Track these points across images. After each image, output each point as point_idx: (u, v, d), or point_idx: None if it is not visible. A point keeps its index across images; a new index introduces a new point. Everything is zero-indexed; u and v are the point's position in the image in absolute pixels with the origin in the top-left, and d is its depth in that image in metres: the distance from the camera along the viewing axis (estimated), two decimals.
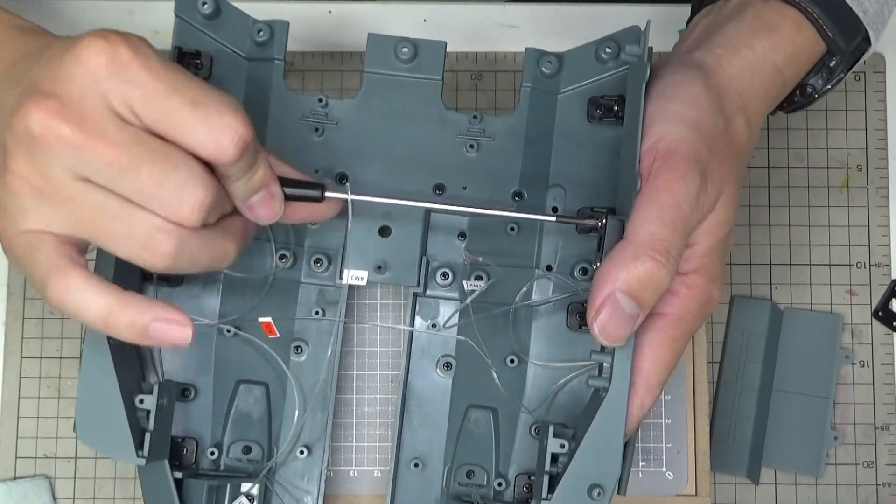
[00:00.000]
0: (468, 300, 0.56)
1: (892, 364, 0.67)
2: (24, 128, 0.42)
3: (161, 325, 0.45)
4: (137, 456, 0.51)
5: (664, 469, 0.63)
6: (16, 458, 0.65)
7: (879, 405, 0.66)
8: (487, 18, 0.69)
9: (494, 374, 0.56)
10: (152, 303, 0.46)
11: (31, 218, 0.44)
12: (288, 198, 0.49)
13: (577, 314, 0.57)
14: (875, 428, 0.66)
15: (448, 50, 0.58)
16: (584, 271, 0.57)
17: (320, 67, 0.67)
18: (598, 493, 0.50)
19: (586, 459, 0.50)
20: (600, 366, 0.51)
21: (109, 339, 0.51)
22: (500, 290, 0.57)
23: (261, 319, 0.57)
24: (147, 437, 0.51)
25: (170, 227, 0.44)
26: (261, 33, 0.57)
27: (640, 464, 0.63)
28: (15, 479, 0.64)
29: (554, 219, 0.53)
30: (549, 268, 0.58)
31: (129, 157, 0.42)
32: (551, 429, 0.52)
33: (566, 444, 0.52)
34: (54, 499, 0.64)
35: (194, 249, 0.46)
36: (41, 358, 0.65)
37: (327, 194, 0.50)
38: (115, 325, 0.45)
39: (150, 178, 0.43)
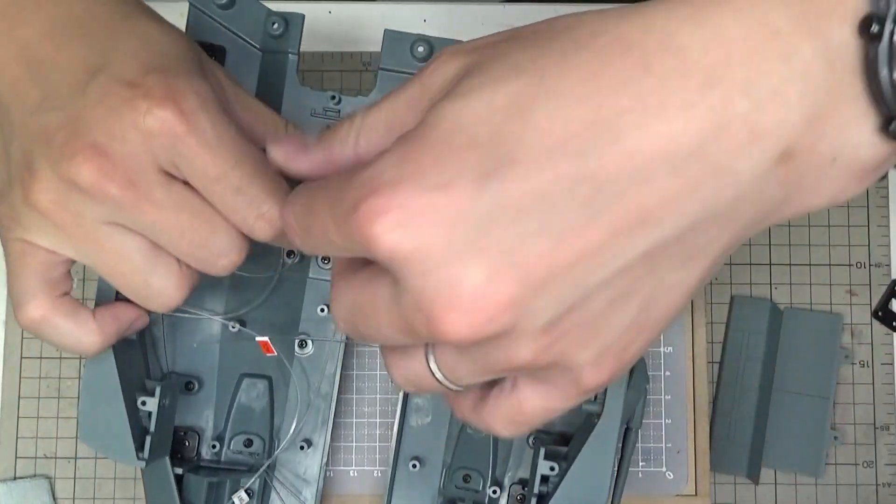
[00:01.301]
0: None
1: (892, 364, 0.66)
2: (72, 177, 0.42)
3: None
4: (138, 458, 0.51)
5: (664, 469, 0.63)
6: (16, 458, 0.64)
7: (879, 405, 0.66)
8: (487, 18, 0.69)
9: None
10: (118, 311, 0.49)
11: (38, 236, 0.45)
12: None
13: None
14: (875, 428, 0.66)
15: None
16: None
17: (320, 67, 0.67)
18: None
19: (575, 484, 0.51)
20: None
21: None
22: None
23: (258, 339, 0.57)
24: (148, 439, 0.51)
25: (185, 283, 0.46)
26: (275, 26, 0.56)
27: (640, 464, 0.63)
28: (15, 479, 0.64)
29: None
30: None
31: (173, 221, 0.43)
32: (542, 451, 0.53)
33: (556, 467, 0.52)
34: (54, 499, 0.64)
35: (191, 291, 0.48)
36: (41, 358, 0.65)
37: None
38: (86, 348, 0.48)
39: (190, 242, 0.44)
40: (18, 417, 0.65)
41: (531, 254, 0.32)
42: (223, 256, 0.45)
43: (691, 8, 0.33)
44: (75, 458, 0.64)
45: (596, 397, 0.51)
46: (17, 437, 0.65)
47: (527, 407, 0.38)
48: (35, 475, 0.64)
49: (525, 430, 0.39)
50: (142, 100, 0.41)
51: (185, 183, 0.43)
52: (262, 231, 0.44)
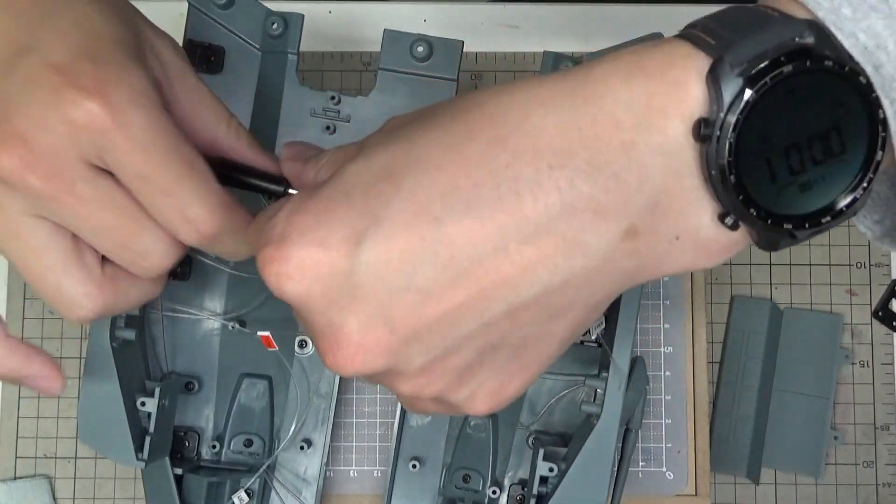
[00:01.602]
0: None
1: (892, 364, 0.66)
2: None
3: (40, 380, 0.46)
4: (137, 459, 0.51)
5: (664, 469, 0.63)
6: (16, 458, 0.65)
7: (879, 405, 0.66)
8: (487, 18, 0.69)
9: None
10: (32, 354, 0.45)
11: None
12: (250, 188, 0.47)
13: None
14: (875, 428, 0.66)
15: None
16: None
17: (319, 67, 0.67)
18: None
19: (574, 485, 0.51)
20: (595, 392, 0.52)
21: (112, 341, 0.51)
22: None
23: (260, 333, 0.57)
24: (147, 439, 0.52)
25: (99, 295, 0.43)
26: (274, 26, 0.56)
27: (640, 464, 0.63)
28: (15, 479, 0.64)
29: None
30: None
31: (97, 218, 0.41)
32: (542, 452, 0.53)
33: (555, 468, 0.53)
34: (54, 499, 0.64)
35: (119, 307, 0.45)
36: None
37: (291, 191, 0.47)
38: None
39: (113, 241, 0.42)
40: (18, 417, 0.65)
41: (400, 308, 0.36)
42: (147, 258, 0.42)
43: (549, 93, 0.36)
44: (75, 458, 0.65)
45: (595, 398, 0.51)
46: (17, 437, 0.65)
47: (423, 403, 0.41)
48: (35, 475, 0.64)
49: (422, 414, 0.44)
50: (69, 89, 0.39)
51: (116, 178, 0.41)
52: (188, 235, 0.42)
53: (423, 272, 0.35)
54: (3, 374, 0.45)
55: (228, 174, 0.47)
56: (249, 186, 0.47)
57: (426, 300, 0.36)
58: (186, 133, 0.45)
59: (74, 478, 0.64)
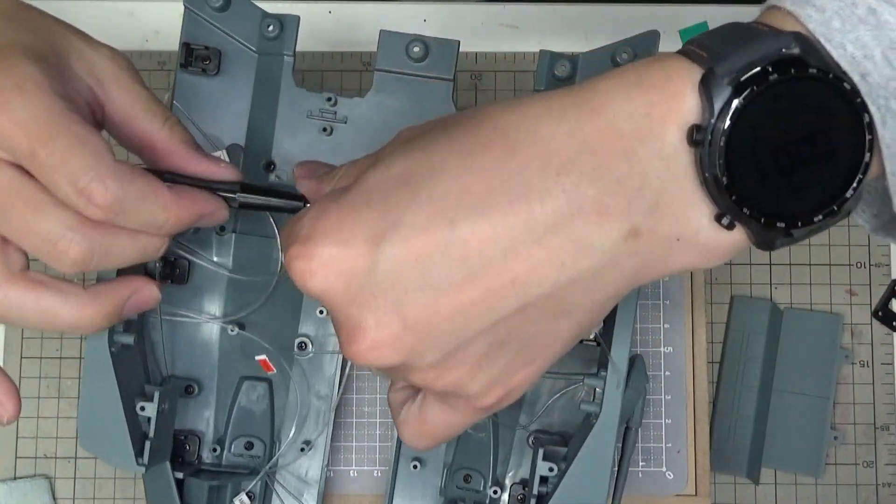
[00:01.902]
0: None
1: (892, 364, 0.67)
2: None
3: None
4: (138, 464, 0.51)
5: (664, 469, 0.63)
6: (16, 458, 0.65)
7: (879, 405, 0.66)
8: (487, 18, 0.69)
9: None
10: None
11: None
12: (270, 208, 0.49)
13: None
14: (875, 428, 0.66)
15: None
16: None
17: (319, 67, 0.67)
18: None
19: (574, 485, 0.51)
20: (594, 390, 0.52)
21: (111, 346, 0.51)
22: None
23: (258, 358, 0.57)
24: (147, 444, 0.52)
25: (16, 282, 0.44)
26: (270, 28, 0.56)
27: (640, 464, 0.63)
28: (15, 479, 0.64)
29: None
30: None
31: None
32: (541, 452, 0.53)
33: (555, 468, 0.53)
34: (54, 499, 0.64)
35: (30, 315, 0.45)
36: (41, 358, 0.65)
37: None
38: None
39: (18, 226, 0.43)
40: (18, 417, 0.65)
41: (414, 306, 0.38)
42: (56, 244, 0.42)
43: (558, 107, 0.39)
44: (75, 458, 0.65)
45: (594, 397, 0.51)
46: (17, 437, 0.65)
47: (429, 420, 0.44)
48: (35, 475, 0.64)
49: (430, 442, 0.45)
50: None
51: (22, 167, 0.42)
52: (86, 208, 0.42)
53: (438, 272, 0.38)
54: None
55: (248, 196, 0.48)
56: (270, 207, 0.49)
57: (439, 298, 0.38)
58: (125, 131, 0.48)
59: (74, 478, 0.65)
